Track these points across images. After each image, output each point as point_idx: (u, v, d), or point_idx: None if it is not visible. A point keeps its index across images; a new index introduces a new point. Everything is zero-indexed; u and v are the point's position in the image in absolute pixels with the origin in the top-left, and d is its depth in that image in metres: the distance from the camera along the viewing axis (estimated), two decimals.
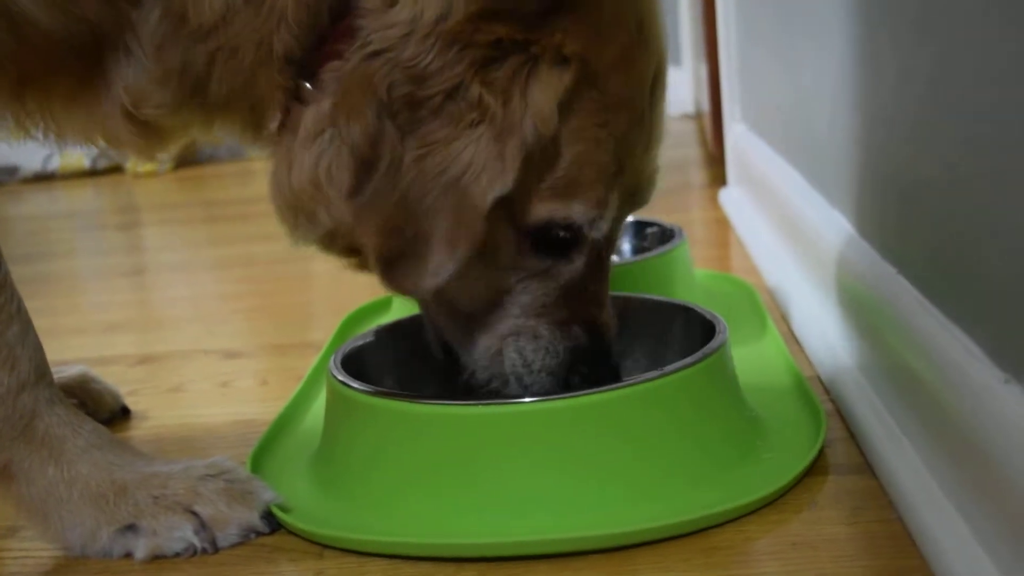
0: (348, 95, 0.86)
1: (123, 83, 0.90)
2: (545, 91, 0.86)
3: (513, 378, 0.97)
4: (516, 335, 0.96)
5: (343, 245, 0.94)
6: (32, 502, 0.91)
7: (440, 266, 0.88)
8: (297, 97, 0.90)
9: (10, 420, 0.90)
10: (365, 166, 0.86)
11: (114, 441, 0.95)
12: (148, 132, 0.93)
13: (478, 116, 0.85)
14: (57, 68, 0.89)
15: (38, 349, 0.93)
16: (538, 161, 0.88)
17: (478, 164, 0.85)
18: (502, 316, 0.96)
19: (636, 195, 0.96)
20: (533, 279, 0.95)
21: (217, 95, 0.91)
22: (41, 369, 0.93)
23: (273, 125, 0.92)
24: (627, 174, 0.93)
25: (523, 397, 0.95)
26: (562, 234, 0.93)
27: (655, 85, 0.94)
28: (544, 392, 0.95)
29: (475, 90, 0.85)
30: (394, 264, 0.89)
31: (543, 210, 0.91)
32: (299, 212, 0.90)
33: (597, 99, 0.89)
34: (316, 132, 0.87)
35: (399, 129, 0.85)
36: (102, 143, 0.97)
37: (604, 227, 0.93)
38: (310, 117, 0.88)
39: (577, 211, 0.91)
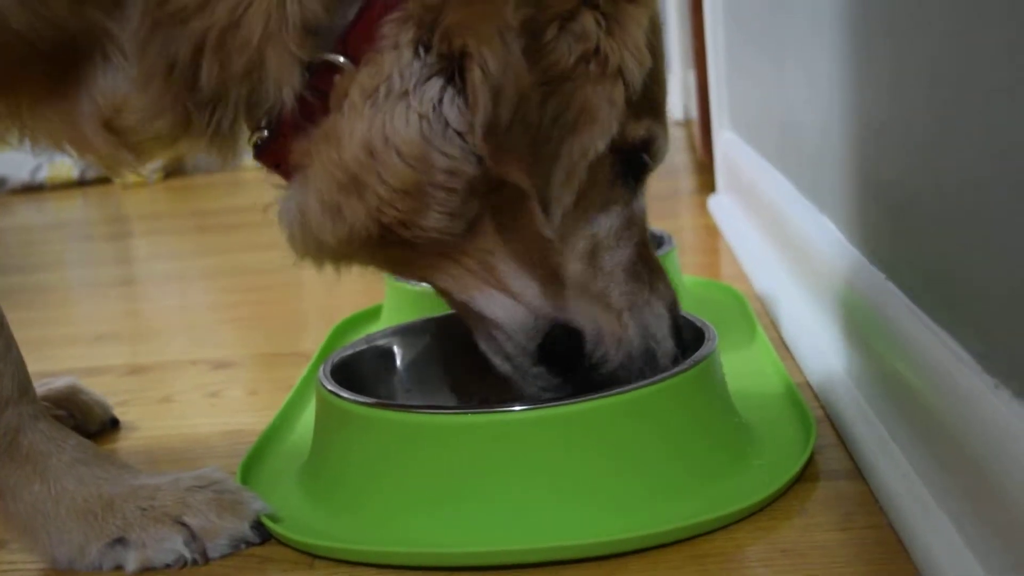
0: (465, 23, 0.81)
1: (101, 92, 0.88)
2: (637, 24, 0.85)
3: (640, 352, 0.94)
4: (633, 302, 0.95)
5: (392, 219, 0.86)
6: (19, 519, 0.91)
7: (551, 215, 0.84)
8: (320, 73, 0.86)
9: None
10: (497, 98, 0.80)
11: (100, 455, 0.94)
12: (126, 143, 0.91)
13: (588, 49, 0.82)
14: (26, 71, 0.88)
15: (20, 365, 0.93)
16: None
17: (592, 108, 0.83)
18: (608, 279, 0.94)
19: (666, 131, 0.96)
20: (622, 225, 0.94)
21: (208, 87, 0.86)
22: (24, 385, 0.93)
23: (284, 111, 0.87)
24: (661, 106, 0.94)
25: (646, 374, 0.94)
26: (642, 158, 0.92)
27: (655, 26, 0.93)
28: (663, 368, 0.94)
29: (586, 18, 0.83)
30: (509, 213, 0.87)
31: (635, 130, 0.90)
32: (346, 193, 0.86)
33: (654, 24, 0.89)
34: (393, 89, 0.83)
35: (526, 58, 0.81)
36: (72, 151, 0.94)
37: (664, 149, 0.94)
38: (375, 78, 0.84)
39: (659, 131, 0.92)
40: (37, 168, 3.62)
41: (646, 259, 0.97)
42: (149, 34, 0.84)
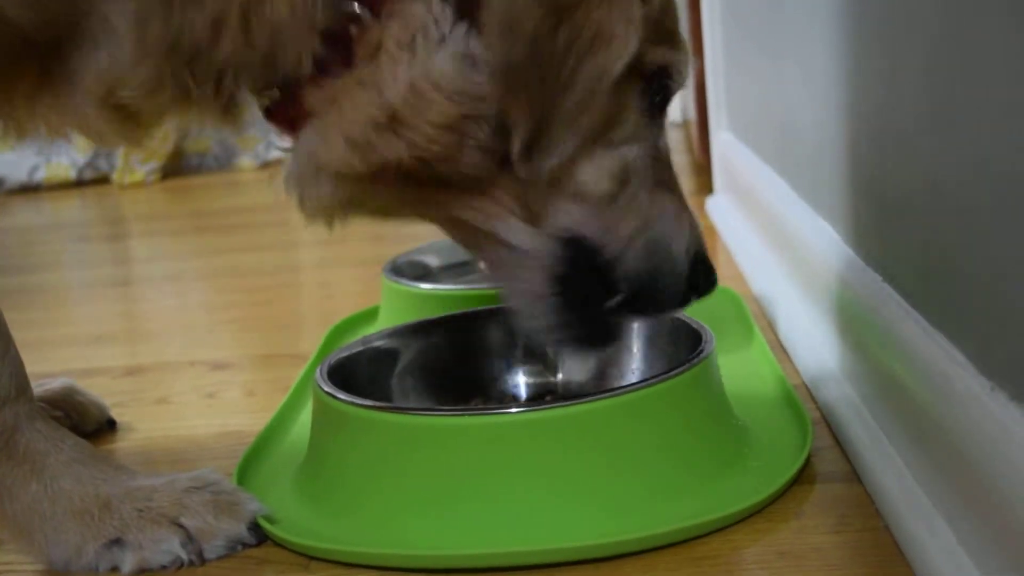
0: None
1: (94, 73, 0.87)
2: None
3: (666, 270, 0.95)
4: (654, 235, 0.94)
5: (432, 155, 0.87)
6: (15, 519, 0.91)
7: (565, 143, 0.86)
8: (338, 27, 0.87)
9: None
10: (508, 35, 0.83)
11: (97, 455, 0.94)
12: (127, 117, 0.90)
13: None
14: (20, 65, 0.88)
15: (18, 364, 0.93)
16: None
17: (608, 29, 0.84)
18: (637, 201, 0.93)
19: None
20: (647, 152, 0.94)
21: (217, 61, 0.87)
22: (21, 385, 0.93)
23: (300, 72, 0.88)
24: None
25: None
26: (664, 82, 0.92)
27: None
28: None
29: None
30: (528, 147, 0.86)
31: (656, 56, 0.90)
32: (381, 131, 0.87)
33: None
34: (430, 36, 0.85)
35: None
36: (77, 135, 0.94)
37: (684, 75, 0.94)
38: (408, 28, 0.85)
39: (679, 57, 0.92)
40: (34, 169, 3.61)
41: (670, 196, 0.97)
42: (150, 13, 0.84)
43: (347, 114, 0.88)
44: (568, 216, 0.92)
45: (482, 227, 0.93)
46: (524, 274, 0.94)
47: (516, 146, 0.86)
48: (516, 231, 0.92)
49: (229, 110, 0.93)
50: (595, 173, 0.91)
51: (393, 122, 0.86)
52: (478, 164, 0.88)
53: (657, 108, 0.94)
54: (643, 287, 0.94)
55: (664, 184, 0.96)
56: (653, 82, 0.92)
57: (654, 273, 0.94)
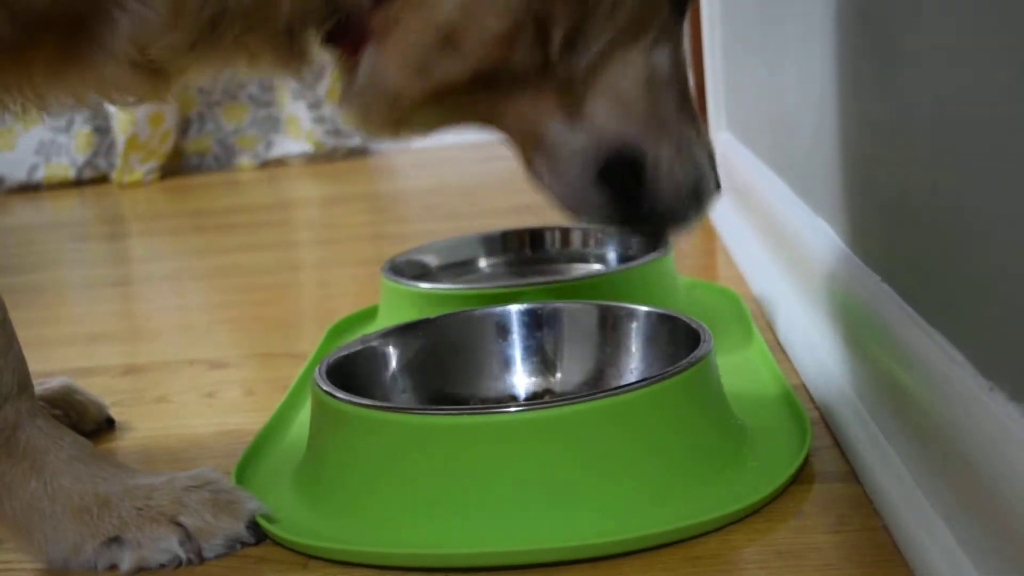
0: None
1: (123, 39, 0.88)
2: None
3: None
4: (685, 136, 1.00)
5: (490, 63, 0.92)
6: (14, 516, 0.91)
7: (600, 39, 0.92)
8: None
9: None
10: None
11: (96, 454, 0.94)
12: (155, 74, 0.92)
13: None
14: (38, 44, 0.88)
15: (20, 361, 0.93)
16: None
17: None
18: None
19: None
20: (676, 54, 0.99)
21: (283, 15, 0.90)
22: (23, 382, 0.93)
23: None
24: None
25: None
26: None
27: None
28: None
29: None
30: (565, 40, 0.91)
31: None
32: (439, 48, 0.90)
33: None
34: None
35: None
36: (105, 99, 0.95)
37: None
38: None
39: None
40: (34, 168, 3.61)
41: (692, 103, 1.02)
42: None
43: (407, 36, 0.91)
44: (606, 114, 0.97)
45: (530, 129, 0.98)
46: (569, 171, 0.99)
47: (556, 43, 0.91)
48: (559, 131, 0.97)
49: (293, 54, 0.96)
50: (630, 71, 0.96)
51: (451, 39, 0.90)
52: (527, 67, 0.93)
53: (681, 9, 0.99)
54: (675, 190, 1.01)
55: (684, 90, 1.01)
56: None
57: (687, 176, 1.01)
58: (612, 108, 0.97)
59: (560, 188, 1.01)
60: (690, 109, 1.02)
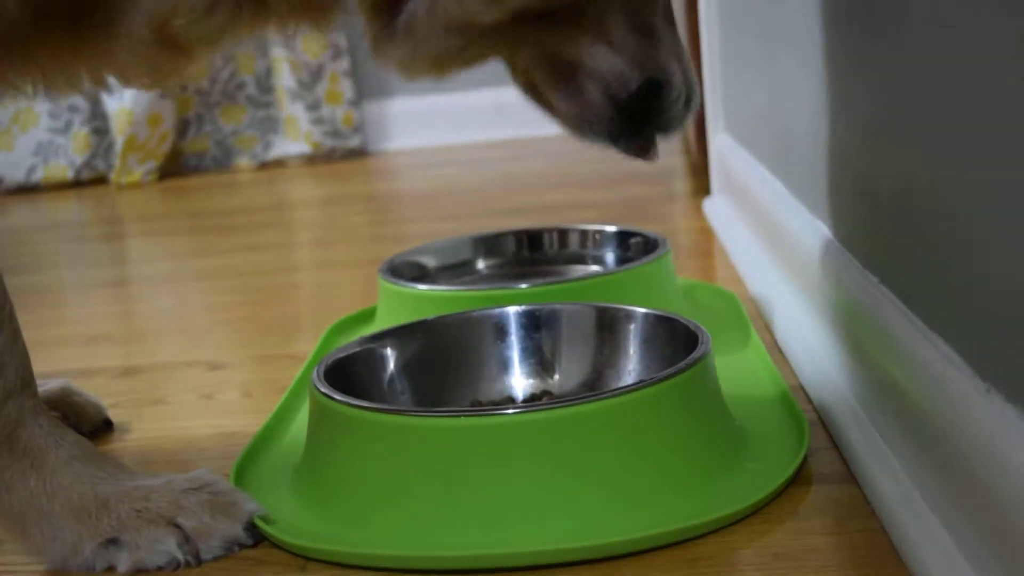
0: None
1: (142, 13, 0.88)
2: None
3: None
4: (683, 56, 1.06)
5: None
6: (12, 514, 0.90)
7: None
8: None
9: None
10: None
11: (96, 453, 0.94)
12: (180, 47, 0.92)
13: None
14: (56, 19, 0.89)
15: (25, 358, 0.93)
16: None
17: None
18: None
19: None
20: None
21: None
22: (27, 379, 0.93)
23: None
24: None
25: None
26: None
27: None
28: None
29: None
30: None
31: None
32: None
33: None
34: None
35: None
36: (120, 79, 0.96)
37: None
38: None
39: None
40: (32, 169, 3.61)
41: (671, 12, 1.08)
42: None
43: None
44: (637, 43, 1.02)
45: (574, 58, 1.01)
46: (598, 94, 1.03)
47: None
48: (599, 56, 1.01)
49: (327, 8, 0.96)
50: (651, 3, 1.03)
51: None
52: None
53: None
54: (681, 108, 1.06)
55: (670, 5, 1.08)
56: None
57: (687, 96, 1.06)
58: (641, 38, 1.02)
59: (579, 108, 1.04)
60: (673, 19, 1.07)
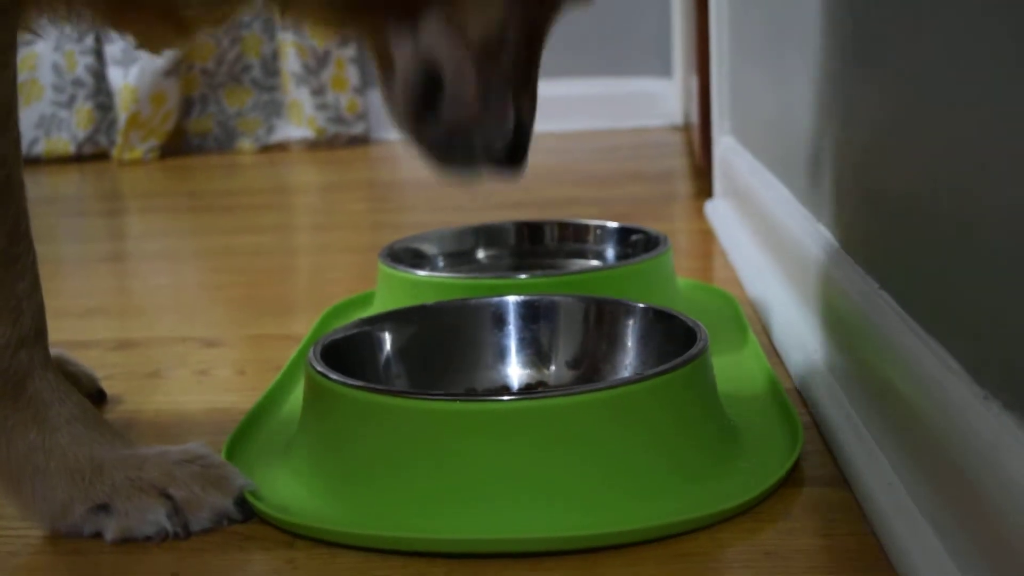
0: None
1: None
2: None
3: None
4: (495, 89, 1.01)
5: None
6: (8, 465, 0.90)
7: None
8: None
9: (4, 375, 0.90)
10: None
11: (98, 418, 0.94)
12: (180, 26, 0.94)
13: None
14: None
15: (41, 309, 0.92)
16: None
17: None
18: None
19: None
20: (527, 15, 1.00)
21: None
22: (41, 330, 0.92)
23: None
24: None
25: None
26: None
27: None
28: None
29: None
30: None
31: None
32: None
33: None
34: None
35: None
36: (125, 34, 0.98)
37: None
38: None
39: None
40: (34, 141, 3.61)
41: (527, 71, 1.03)
42: None
43: None
44: (440, 48, 0.98)
45: (386, 50, 1.01)
46: (399, 90, 1.02)
47: None
48: (403, 53, 1.00)
49: None
50: (475, 15, 0.97)
51: None
52: None
53: None
54: (465, 121, 1.02)
55: (530, 58, 1.02)
56: None
57: (473, 122, 1.01)
58: (449, 46, 0.98)
59: (391, 105, 1.05)
60: (524, 80, 1.03)
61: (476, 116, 1.01)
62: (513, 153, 1.03)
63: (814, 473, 0.95)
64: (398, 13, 0.98)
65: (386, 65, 1.03)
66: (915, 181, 0.88)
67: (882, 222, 0.99)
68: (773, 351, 1.29)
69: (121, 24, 0.97)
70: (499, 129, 1.02)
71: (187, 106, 3.71)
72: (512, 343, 1.14)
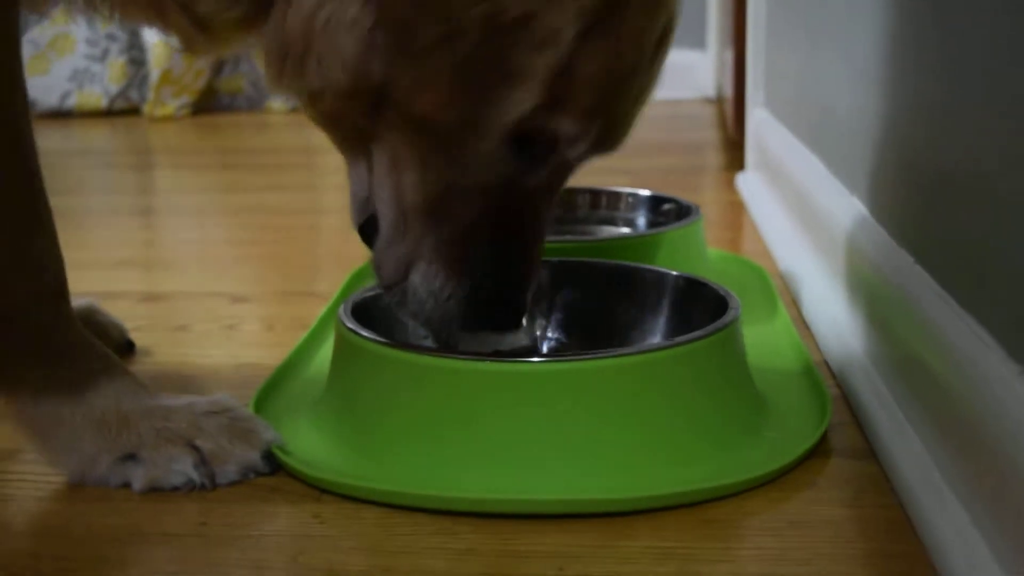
0: None
1: None
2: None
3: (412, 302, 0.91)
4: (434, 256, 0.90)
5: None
6: (35, 420, 0.91)
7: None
8: None
9: (28, 331, 0.90)
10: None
11: (123, 369, 0.94)
12: (201, 27, 0.90)
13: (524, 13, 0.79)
14: None
15: (61, 264, 0.93)
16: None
17: (517, 73, 0.81)
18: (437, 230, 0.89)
19: (610, 138, 0.89)
20: (498, 193, 0.88)
21: None
22: (63, 286, 0.93)
23: None
24: (611, 114, 0.87)
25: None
26: (541, 140, 0.86)
27: (662, 39, 0.87)
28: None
29: None
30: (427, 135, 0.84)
31: (540, 116, 0.83)
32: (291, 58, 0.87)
33: (616, 29, 0.83)
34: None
35: None
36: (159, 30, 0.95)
37: (578, 151, 0.87)
38: None
39: (566, 125, 0.84)
40: (66, 95, 3.61)
41: (512, 242, 0.91)
42: None
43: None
44: (384, 202, 0.92)
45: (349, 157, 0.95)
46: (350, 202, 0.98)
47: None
48: (357, 185, 0.96)
49: None
50: (416, 179, 0.88)
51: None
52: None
53: (534, 161, 0.88)
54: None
55: (512, 231, 0.90)
56: (531, 136, 0.85)
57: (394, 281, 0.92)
58: (392, 201, 0.91)
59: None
60: (511, 249, 0.91)
61: (399, 275, 0.92)
62: (473, 319, 0.91)
63: (842, 445, 0.95)
64: (355, 139, 0.92)
65: (348, 167, 0.97)
66: (953, 155, 0.87)
67: (918, 195, 0.98)
68: (803, 324, 1.28)
69: (133, 15, 0.94)
70: (430, 295, 0.90)
71: (219, 64, 3.70)
72: (542, 307, 1.14)
